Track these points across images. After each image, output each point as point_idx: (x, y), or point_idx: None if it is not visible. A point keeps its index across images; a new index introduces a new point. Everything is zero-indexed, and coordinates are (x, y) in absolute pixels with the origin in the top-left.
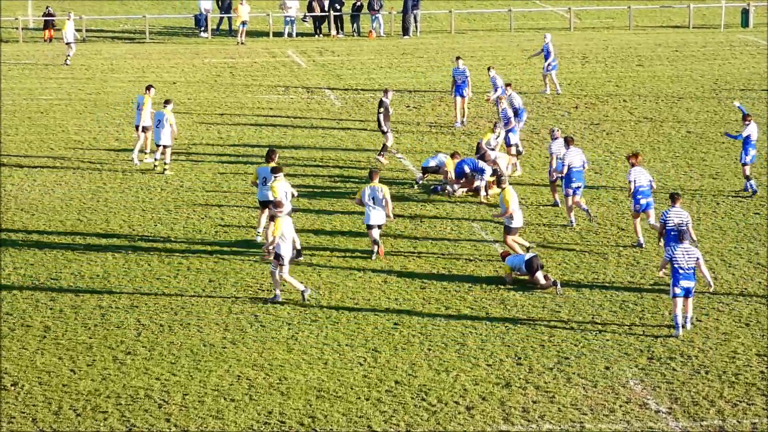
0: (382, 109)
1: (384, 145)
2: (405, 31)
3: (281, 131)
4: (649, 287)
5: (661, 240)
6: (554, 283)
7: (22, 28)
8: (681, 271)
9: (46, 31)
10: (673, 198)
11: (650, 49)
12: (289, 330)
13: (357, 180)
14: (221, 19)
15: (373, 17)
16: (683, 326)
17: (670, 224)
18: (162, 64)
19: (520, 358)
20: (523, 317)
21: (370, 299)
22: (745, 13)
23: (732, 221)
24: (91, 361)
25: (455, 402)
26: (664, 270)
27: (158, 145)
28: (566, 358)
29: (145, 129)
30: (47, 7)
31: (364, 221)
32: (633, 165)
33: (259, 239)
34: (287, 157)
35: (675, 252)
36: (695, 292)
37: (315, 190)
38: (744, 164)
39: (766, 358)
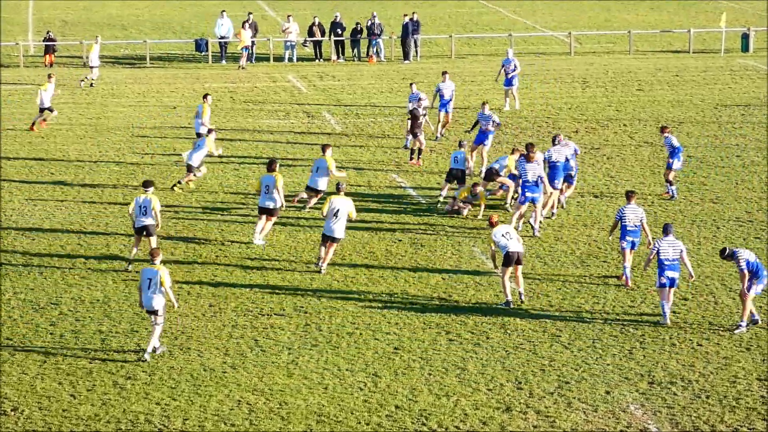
0: (409, 115)
1: (413, 149)
2: (405, 55)
3: (282, 155)
4: (650, 311)
5: (612, 233)
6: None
7: (24, 55)
8: (666, 262)
9: (47, 56)
10: (629, 196)
11: (651, 74)
12: (289, 355)
13: (357, 204)
14: (252, 43)
15: (374, 42)
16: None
17: (625, 221)
18: (162, 88)
19: (520, 383)
20: (524, 342)
21: (370, 323)
22: (745, 38)
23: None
24: (92, 386)
25: (456, 427)
26: (649, 264)
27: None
28: (567, 383)
29: (199, 135)
30: (48, 32)
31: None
32: (529, 161)
33: (258, 242)
34: (287, 181)
35: (661, 244)
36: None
37: (315, 214)
38: (669, 169)
39: (766, 383)
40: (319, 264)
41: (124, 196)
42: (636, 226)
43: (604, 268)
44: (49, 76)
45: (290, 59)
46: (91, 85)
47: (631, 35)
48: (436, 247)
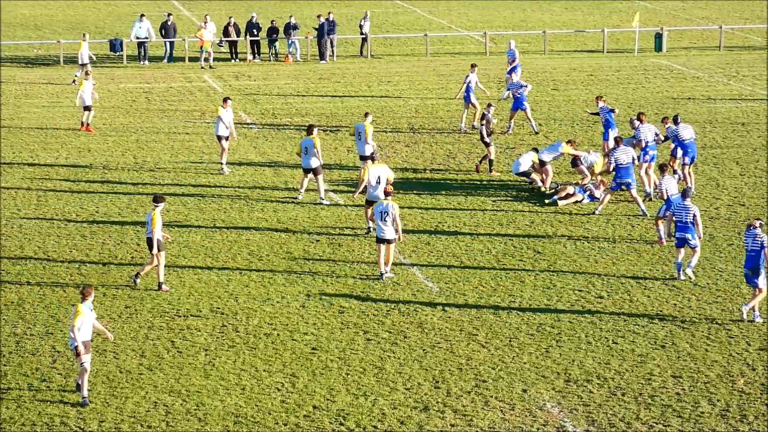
0: (484, 121)
1: (487, 157)
2: (321, 55)
3: (197, 156)
4: (567, 310)
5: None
6: None
7: None
8: (679, 224)
9: None
10: (662, 168)
11: (565, 74)
12: (206, 356)
13: (275, 205)
14: (171, 44)
15: (290, 42)
16: (684, 272)
17: (671, 191)
18: (77, 89)
19: (438, 382)
20: (441, 341)
21: (287, 324)
22: (659, 37)
23: (647, 244)
24: (6, 389)
25: (374, 426)
26: (663, 227)
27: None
28: (484, 381)
29: (220, 138)
30: None
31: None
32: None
33: (300, 197)
34: (203, 183)
35: (675, 207)
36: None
37: (231, 214)
38: (674, 156)
39: (681, 380)
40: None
41: (38, 198)
42: (672, 194)
43: (519, 266)
44: (87, 74)
45: (206, 59)
46: (74, 82)
47: (545, 35)
48: (353, 246)
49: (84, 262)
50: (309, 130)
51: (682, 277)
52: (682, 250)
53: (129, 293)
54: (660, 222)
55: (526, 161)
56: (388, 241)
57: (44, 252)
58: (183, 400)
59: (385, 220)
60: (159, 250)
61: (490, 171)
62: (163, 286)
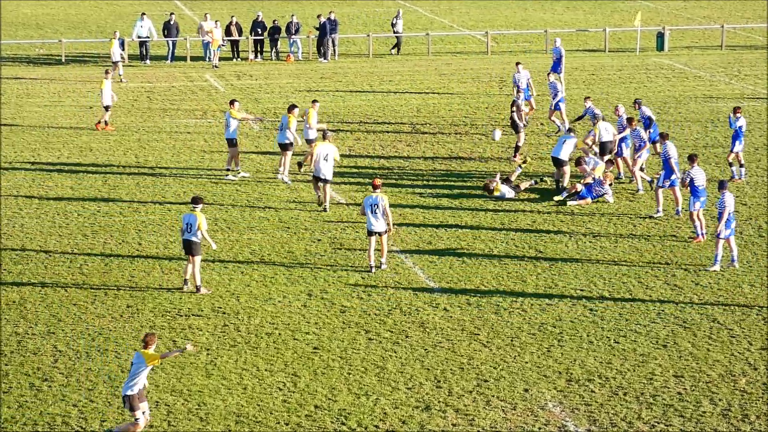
0: (514, 108)
1: (516, 145)
2: (323, 55)
3: (199, 155)
4: (568, 309)
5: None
6: None
7: None
8: (730, 215)
9: None
10: (691, 159)
11: (567, 73)
12: (208, 355)
13: (276, 204)
14: (173, 43)
15: (291, 41)
16: (733, 264)
17: (696, 181)
18: (78, 88)
19: (439, 381)
20: (443, 340)
21: (289, 323)
22: (661, 36)
23: (649, 243)
24: (7, 389)
25: (375, 426)
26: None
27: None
28: (485, 381)
29: (230, 142)
30: None
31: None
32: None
33: (280, 176)
34: (205, 182)
35: (727, 201)
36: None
37: (233, 213)
38: (732, 151)
39: (682, 380)
40: (323, 205)
41: (40, 197)
42: (699, 185)
43: (521, 266)
44: (106, 72)
45: (209, 59)
46: (121, 80)
47: (547, 34)
48: (355, 246)
49: (85, 262)
50: (289, 108)
51: (724, 266)
52: (722, 242)
53: (130, 293)
54: (695, 216)
55: (509, 192)
56: (379, 234)
57: (45, 251)
58: (185, 399)
59: (375, 213)
60: (196, 254)
61: (515, 156)
62: (202, 289)
